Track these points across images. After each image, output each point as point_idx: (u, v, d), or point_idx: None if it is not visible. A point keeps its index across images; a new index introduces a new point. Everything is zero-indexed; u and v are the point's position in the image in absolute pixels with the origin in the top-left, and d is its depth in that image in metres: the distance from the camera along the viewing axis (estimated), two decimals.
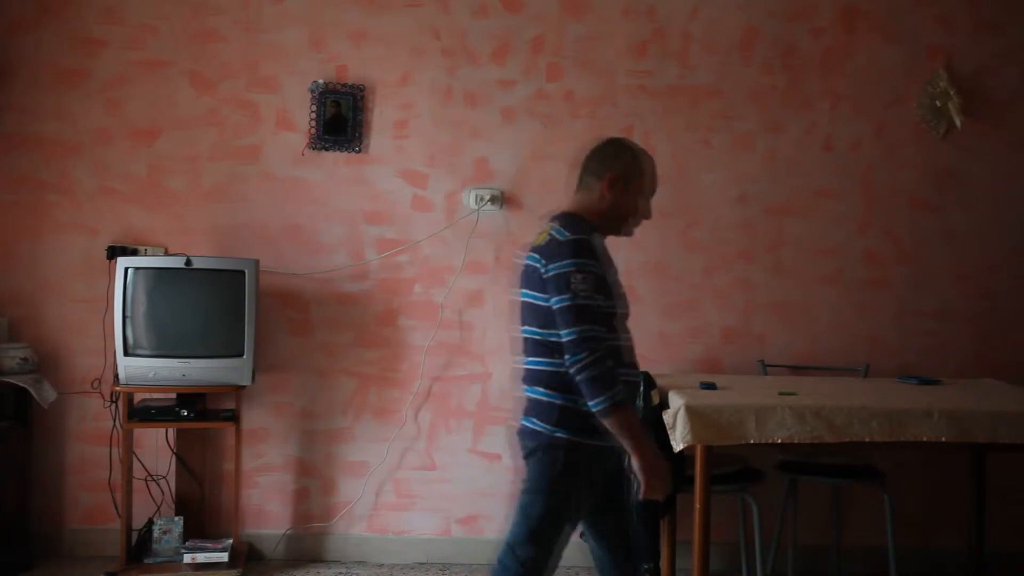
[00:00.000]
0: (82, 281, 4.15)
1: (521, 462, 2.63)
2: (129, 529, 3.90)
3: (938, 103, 4.19)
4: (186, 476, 4.12)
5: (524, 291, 2.59)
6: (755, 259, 4.24)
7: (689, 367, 4.21)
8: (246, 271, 3.86)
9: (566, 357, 2.45)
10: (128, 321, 3.81)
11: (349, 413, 4.23)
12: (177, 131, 4.18)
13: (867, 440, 3.17)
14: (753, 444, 3.18)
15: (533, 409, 2.58)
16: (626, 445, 2.46)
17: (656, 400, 3.40)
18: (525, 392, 2.63)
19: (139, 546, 3.93)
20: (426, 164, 4.23)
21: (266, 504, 4.22)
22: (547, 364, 2.54)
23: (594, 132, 4.17)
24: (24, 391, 3.91)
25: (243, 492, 4.12)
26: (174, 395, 3.93)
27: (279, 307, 4.19)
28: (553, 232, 2.54)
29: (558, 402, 2.52)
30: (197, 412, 3.91)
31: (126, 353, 3.79)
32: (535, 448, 2.56)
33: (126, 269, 3.81)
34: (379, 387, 4.23)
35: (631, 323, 2.71)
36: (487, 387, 4.24)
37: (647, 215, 2.73)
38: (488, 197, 4.19)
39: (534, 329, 2.55)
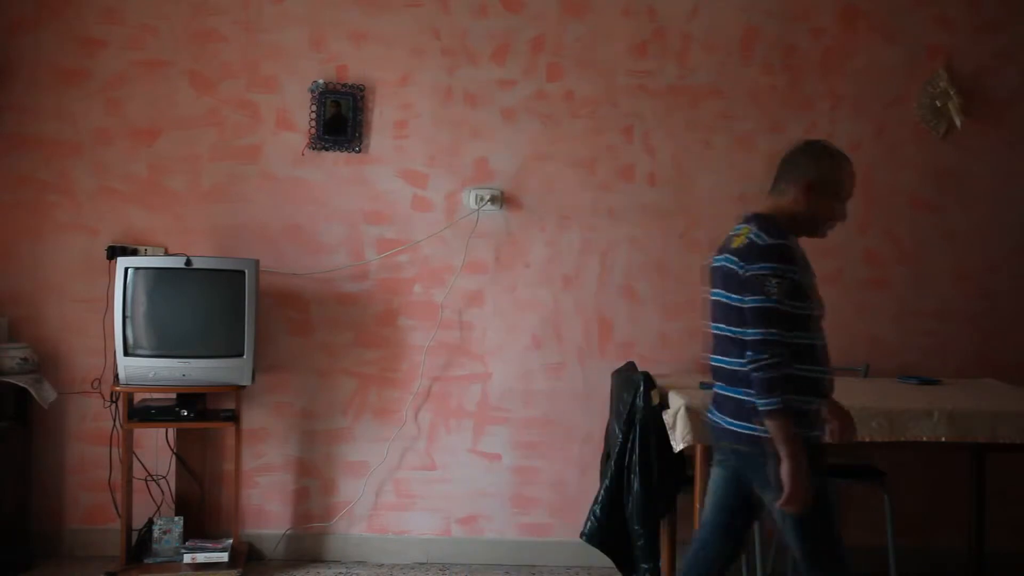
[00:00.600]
0: (82, 281, 4.14)
1: (729, 461, 2.70)
2: (129, 529, 3.90)
3: (938, 103, 4.19)
4: (186, 476, 4.12)
5: (718, 291, 2.64)
6: None
7: (689, 367, 4.20)
8: (246, 271, 3.86)
9: (748, 353, 2.50)
10: (128, 321, 3.80)
11: (349, 413, 4.23)
12: (177, 131, 4.18)
13: (867, 440, 3.17)
14: None
15: (739, 410, 2.60)
16: (781, 451, 2.48)
17: (656, 400, 3.40)
18: (724, 391, 2.67)
19: (139, 546, 3.93)
20: (426, 164, 4.23)
21: (266, 504, 4.22)
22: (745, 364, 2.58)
23: (594, 132, 4.22)
24: (24, 391, 3.90)
25: (243, 492, 4.12)
26: (174, 395, 3.92)
27: (279, 307, 4.19)
28: (752, 236, 2.57)
29: None
30: (197, 412, 3.91)
31: (126, 353, 3.79)
32: (757, 452, 2.56)
33: (126, 269, 3.81)
34: (379, 387, 4.23)
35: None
36: (487, 387, 4.24)
37: (843, 218, 2.72)
38: (488, 197, 4.19)
39: (732, 328, 2.59)
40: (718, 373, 2.71)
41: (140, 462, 4.08)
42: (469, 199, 4.21)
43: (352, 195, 4.22)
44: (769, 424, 2.48)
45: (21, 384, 3.88)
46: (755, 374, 2.49)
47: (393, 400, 4.23)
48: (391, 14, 4.21)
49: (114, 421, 4.04)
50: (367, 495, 4.22)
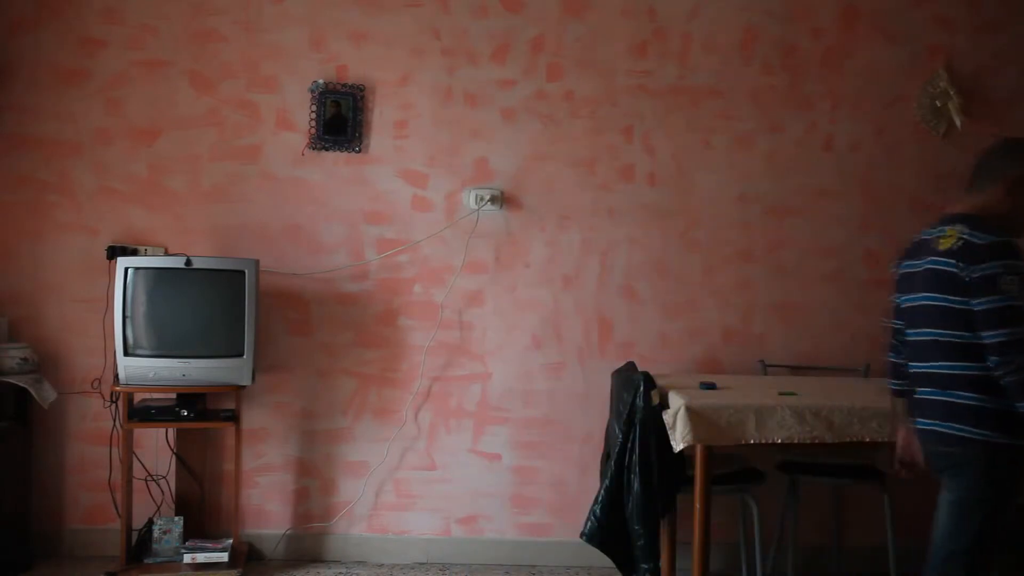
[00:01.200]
0: (82, 281, 4.14)
1: (940, 467, 2.64)
2: (129, 529, 3.90)
3: (938, 103, 4.19)
4: (186, 476, 4.12)
5: (927, 295, 2.59)
6: (755, 259, 4.24)
7: (689, 367, 4.22)
8: (246, 271, 3.86)
9: (993, 359, 2.45)
10: (128, 321, 3.80)
11: (349, 413, 4.23)
12: (177, 131, 4.18)
13: (867, 440, 3.17)
14: (753, 444, 3.18)
15: (951, 413, 2.56)
16: None
17: (656, 400, 3.40)
18: (931, 395, 2.63)
19: (139, 546, 3.93)
20: (426, 164, 4.23)
21: (266, 504, 4.22)
22: (966, 368, 2.53)
23: (594, 132, 4.22)
24: (24, 391, 3.91)
25: (243, 492, 4.13)
26: (174, 395, 3.92)
27: (279, 307, 4.19)
28: (965, 236, 2.53)
29: (989, 405, 2.51)
30: (197, 412, 3.91)
31: (126, 353, 3.79)
32: (967, 454, 2.54)
33: (126, 269, 3.81)
34: (379, 387, 4.23)
35: None
36: (487, 387, 4.24)
37: None
38: (488, 197, 4.19)
39: (948, 332, 2.55)
40: (924, 379, 2.65)
41: (140, 462, 4.08)
42: (469, 199, 4.21)
43: (352, 195, 4.22)
44: None
45: (21, 384, 3.88)
46: (1009, 378, 2.42)
47: (393, 400, 4.23)
48: (391, 14, 4.21)
49: (114, 421, 4.04)
50: (367, 495, 4.22)
